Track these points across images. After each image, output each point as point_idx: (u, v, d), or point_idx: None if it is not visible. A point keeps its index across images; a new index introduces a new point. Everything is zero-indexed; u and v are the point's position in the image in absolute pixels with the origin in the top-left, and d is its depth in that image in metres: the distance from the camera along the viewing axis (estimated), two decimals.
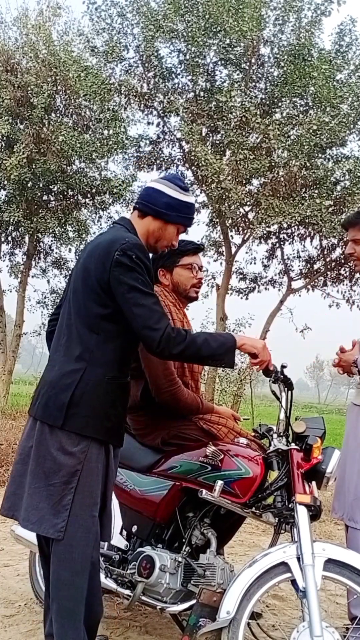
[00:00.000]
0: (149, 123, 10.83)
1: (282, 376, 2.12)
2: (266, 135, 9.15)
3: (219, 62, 9.94)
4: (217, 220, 10.84)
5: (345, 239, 10.13)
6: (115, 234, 1.98)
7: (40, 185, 10.31)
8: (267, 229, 10.46)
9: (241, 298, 12.09)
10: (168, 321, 1.90)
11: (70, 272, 2.18)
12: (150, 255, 2.08)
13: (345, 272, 11.55)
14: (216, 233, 11.58)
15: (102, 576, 2.05)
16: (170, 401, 2.26)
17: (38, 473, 1.87)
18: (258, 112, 9.21)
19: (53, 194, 11.03)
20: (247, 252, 11.84)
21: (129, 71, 10.17)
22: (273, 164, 9.44)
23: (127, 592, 2.20)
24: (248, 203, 10.26)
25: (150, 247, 2.06)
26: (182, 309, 2.46)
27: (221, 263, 11.82)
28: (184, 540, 2.21)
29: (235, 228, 11.13)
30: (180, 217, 2.04)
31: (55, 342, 2.01)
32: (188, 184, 11.13)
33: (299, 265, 11.99)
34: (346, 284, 11.72)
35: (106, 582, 2.24)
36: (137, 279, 1.86)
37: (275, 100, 10.04)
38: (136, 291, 1.85)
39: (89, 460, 1.87)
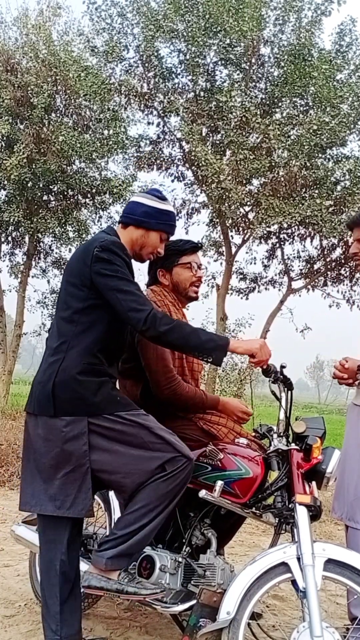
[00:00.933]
0: (149, 123, 10.83)
1: (281, 376, 2.12)
2: (266, 135, 9.15)
3: (219, 62, 9.94)
4: (217, 220, 10.83)
5: (346, 239, 10.16)
6: (96, 236, 2.12)
7: (40, 185, 10.31)
8: (267, 229, 10.45)
9: (241, 298, 12.10)
10: (152, 306, 1.99)
11: None
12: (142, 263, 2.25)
13: (345, 272, 11.55)
14: (216, 233, 11.57)
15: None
16: (172, 397, 2.26)
17: (56, 466, 1.98)
18: (258, 112, 9.21)
19: (53, 194, 11.03)
20: (247, 252, 11.86)
21: (129, 71, 10.16)
22: (273, 164, 9.44)
23: None
24: (248, 203, 10.25)
25: (136, 255, 2.19)
26: (180, 309, 2.46)
27: (221, 263, 11.83)
28: (184, 540, 2.21)
29: (236, 228, 11.13)
30: (160, 223, 2.17)
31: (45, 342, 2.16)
32: (188, 184, 11.16)
33: (299, 265, 12.00)
34: (346, 284, 11.73)
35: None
36: (118, 270, 1.99)
37: (276, 100, 10.03)
38: (119, 279, 1.98)
39: (93, 438, 1.96)
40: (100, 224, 11.55)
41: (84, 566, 2.14)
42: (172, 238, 2.34)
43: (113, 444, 1.98)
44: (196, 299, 2.53)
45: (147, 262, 2.35)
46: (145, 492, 1.96)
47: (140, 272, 2.47)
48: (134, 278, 2.09)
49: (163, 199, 2.20)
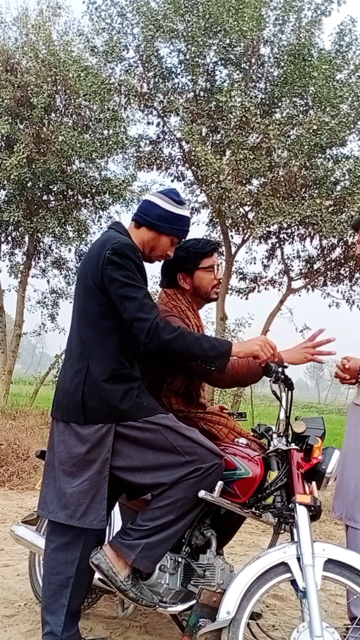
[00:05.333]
0: (149, 123, 10.82)
1: (282, 376, 2.12)
2: (266, 135, 9.14)
3: (219, 62, 9.93)
4: (217, 220, 10.83)
5: (346, 239, 10.15)
6: (108, 236, 2.09)
7: (40, 185, 10.30)
8: (267, 229, 10.44)
9: (241, 298, 12.08)
10: (158, 312, 1.99)
11: (72, 273, 2.28)
12: (158, 263, 2.23)
13: (345, 272, 11.55)
14: (216, 233, 11.57)
15: (101, 576, 2.05)
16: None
17: (75, 473, 1.99)
18: (258, 112, 9.20)
19: (53, 194, 11.02)
20: (247, 252, 11.84)
21: (129, 71, 10.15)
22: (273, 164, 9.44)
23: None
24: (248, 203, 10.24)
25: (145, 256, 2.17)
26: (196, 312, 2.42)
27: (221, 263, 11.80)
28: (183, 540, 2.20)
29: (235, 228, 11.12)
30: (173, 228, 2.13)
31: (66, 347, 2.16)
32: (188, 184, 11.15)
33: (299, 265, 11.98)
34: (346, 284, 11.71)
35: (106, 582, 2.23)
36: (128, 276, 1.97)
37: (275, 100, 10.03)
38: (127, 286, 1.96)
39: (121, 444, 1.99)
40: (100, 224, 11.54)
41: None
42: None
43: (142, 449, 1.99)
44: (216, 299, 2.51)
45: (161, 262, 2.31)
46: (175, 489, 1.97)
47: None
48: (146, 281, 2.10)
49: (180, 203, 2.15)
